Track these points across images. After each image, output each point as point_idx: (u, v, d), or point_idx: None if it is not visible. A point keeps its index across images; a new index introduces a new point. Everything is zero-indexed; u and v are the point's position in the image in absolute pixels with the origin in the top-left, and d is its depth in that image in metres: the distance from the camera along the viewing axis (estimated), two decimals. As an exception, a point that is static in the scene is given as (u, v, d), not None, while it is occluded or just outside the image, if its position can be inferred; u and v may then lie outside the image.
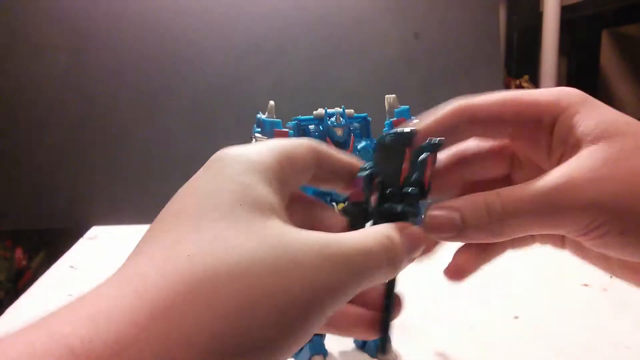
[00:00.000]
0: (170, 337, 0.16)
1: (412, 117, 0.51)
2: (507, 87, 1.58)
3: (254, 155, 0.22)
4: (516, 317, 0.62)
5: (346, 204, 0.26)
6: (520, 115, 0.26)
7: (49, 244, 1.49)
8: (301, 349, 0.51)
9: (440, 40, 1.19)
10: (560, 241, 0.29)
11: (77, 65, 1.09)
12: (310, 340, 0.49)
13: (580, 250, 0.28)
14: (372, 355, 0.53)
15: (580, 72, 1.81)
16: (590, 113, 0.25)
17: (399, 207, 0.24)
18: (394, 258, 0.22)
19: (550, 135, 0.26)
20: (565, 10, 1.56)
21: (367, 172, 0.25)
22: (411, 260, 0.24)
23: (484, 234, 0.24)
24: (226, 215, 0.19)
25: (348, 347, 0.55)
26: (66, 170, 1.08)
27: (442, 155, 0.29)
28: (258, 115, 0.48)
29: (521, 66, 1.80)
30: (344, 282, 0.19)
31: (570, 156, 0.24)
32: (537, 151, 0.27)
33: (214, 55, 1.12)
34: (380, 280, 0.22)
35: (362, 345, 0.54)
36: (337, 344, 0.54)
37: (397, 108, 0.50)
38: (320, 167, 0.25)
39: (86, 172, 1.08)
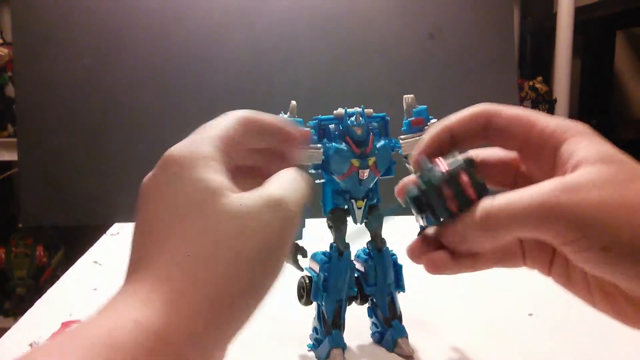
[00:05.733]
0: (186, 299, 0.22)
1: (430, 117, 0.52)
2: (521, 88, 1.59)
3: (199, 152, 0.26)
4: (530, 315, 0.63)
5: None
6: (527, 134, 0.28)
7: (68, 241, 1.52)
8: (321, 343, 0.52)
9: (455, 41, 1.20)
10: (547, 268, 0.31)
11: (99, 66, 1.11)
12: (329, 334, 0.51)
13: (565, 280, 0.30)
14: (389, 350, 0.54)
15: (594, 73, 1.81)
16: (593, 143, 0.26)
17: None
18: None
19: (552, 160, 0.27)
20: (579, 12, 1.56)
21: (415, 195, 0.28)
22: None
23: (476, 231, 0.26)
24: (200, 210, 0.24)
25: (366, 341, 0.56)
26: (88, 168, 1.10)
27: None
28: (280, 115, 0.50)
29: (535, 67, 1.80)
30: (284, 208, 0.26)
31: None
32: (539, 171, 0.29)
33: (232, 56, 1.14)
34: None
35: (379, 340, 0.55)
36: (355, 338, 0.56)
37: (415, 108, 0.51)
38: (253, 132, 0.29)
39: (108, 170, 1.11)
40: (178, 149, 0.27)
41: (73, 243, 1.43)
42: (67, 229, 1.41)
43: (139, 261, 0.24)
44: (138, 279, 0.23)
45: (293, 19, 1.15)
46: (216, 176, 0.25)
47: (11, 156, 1.37)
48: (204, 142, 0.27)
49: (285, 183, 0.27)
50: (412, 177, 0.29)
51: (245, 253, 0.24)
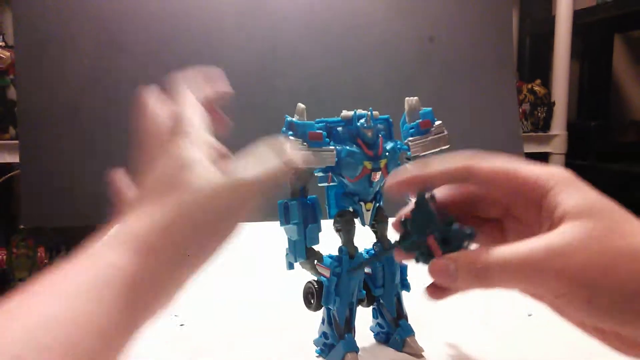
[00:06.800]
0: (176, 227, 0.30)
1: (435, 119, 0.52)
2: (519, 90, 1.59)
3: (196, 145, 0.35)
4: (530, 315, 0.63)
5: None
6: (510, 185, 0.30)
7: (70, 242, 1.52)
8: (331, 348, 0.52)
9: (454, 44, 1.21)
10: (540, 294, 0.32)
11: (100, 67, 1.12)
12: (342, 338, 0.50)
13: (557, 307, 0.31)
14: (398, 349, 0.54)
15: (593, 76, 1.81)
16: (575, 193, 0.28)
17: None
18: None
19: (537, 208, 0.29)
20: (577, 15, 1.57)
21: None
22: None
23: (472, 283, 0.29)
24: (171, 181, 0.32)
25: (372, 343, 0.56)
26: (89, 169, 1.11)
27: (457, 190, 0.34)
28: (288, 118, 0.49)
29: (533, 70, 1.80)
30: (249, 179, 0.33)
31: (554, 229, 0.28)
32: (526, 215, 0.31)
33: (233, 58, 1.15)
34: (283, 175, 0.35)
35: (385, 340, 0.55)
36: (362, 340, 0.55)
37: (420, 110, 0.51)
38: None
39: (108, 170, 1.11)
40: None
41: (74, 244, 1.42)
42: (68, 230, 1.41)
43: (131, 206, 0.32)
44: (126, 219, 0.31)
45: (293, 21, 1.16)
46: (193, 153, 0.33)
47: (13, 158, 1.37)
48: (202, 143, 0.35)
49: (245, 161, 0.34)
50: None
51: (199, 205, 0.31)
